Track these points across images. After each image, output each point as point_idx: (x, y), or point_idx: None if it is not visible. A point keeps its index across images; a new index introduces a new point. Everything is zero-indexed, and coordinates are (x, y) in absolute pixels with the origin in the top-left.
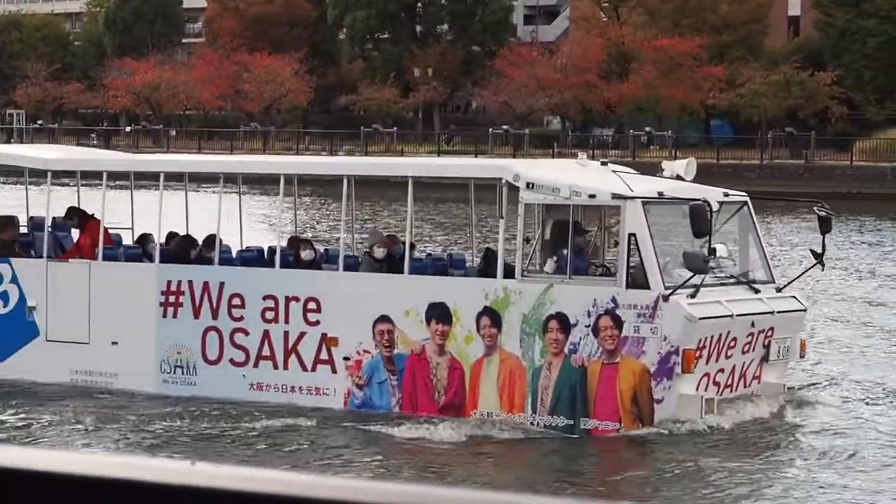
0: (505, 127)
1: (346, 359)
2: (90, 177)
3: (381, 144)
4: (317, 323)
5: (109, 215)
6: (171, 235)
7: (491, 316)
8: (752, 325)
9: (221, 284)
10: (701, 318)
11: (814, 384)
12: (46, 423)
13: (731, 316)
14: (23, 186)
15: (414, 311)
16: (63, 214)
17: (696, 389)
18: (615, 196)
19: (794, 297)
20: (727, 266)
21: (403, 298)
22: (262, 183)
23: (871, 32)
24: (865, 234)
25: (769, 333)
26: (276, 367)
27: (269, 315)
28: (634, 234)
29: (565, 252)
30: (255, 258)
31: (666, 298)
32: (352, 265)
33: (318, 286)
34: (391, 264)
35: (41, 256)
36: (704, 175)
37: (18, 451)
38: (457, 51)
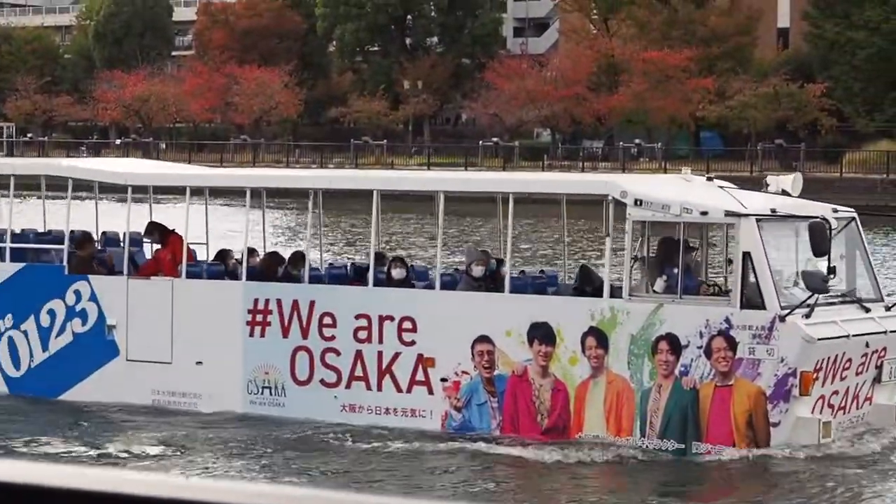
0: (495, 139)
1: (443, 380)
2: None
3: (370, 157)
4: (412, 343)
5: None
6: (251, 251)
7: (597, 336)
8: (867, 345)
9: (312, 303)
10: (819, 339)
11: None
12: (124, 447)
13: (847, 336)
14: (92, 202)
15: (515, 331)
16: (143, 230)
17: (812, 412)
18: (728, 213)
19: None
20: (835, 284)
21: (504, 318)
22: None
23: (860, 44)
24: None
25: (882, 354)
26: (369, 388)
27: (362, 335)
28: (749, 253)
29: (675, 271)
30: (344, 275)
31: (783, 319)
32: (448, 283)
33: (414, 305)
34: (489, 282)
35: (118, 273)
36: None
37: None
38: (446, 63)
